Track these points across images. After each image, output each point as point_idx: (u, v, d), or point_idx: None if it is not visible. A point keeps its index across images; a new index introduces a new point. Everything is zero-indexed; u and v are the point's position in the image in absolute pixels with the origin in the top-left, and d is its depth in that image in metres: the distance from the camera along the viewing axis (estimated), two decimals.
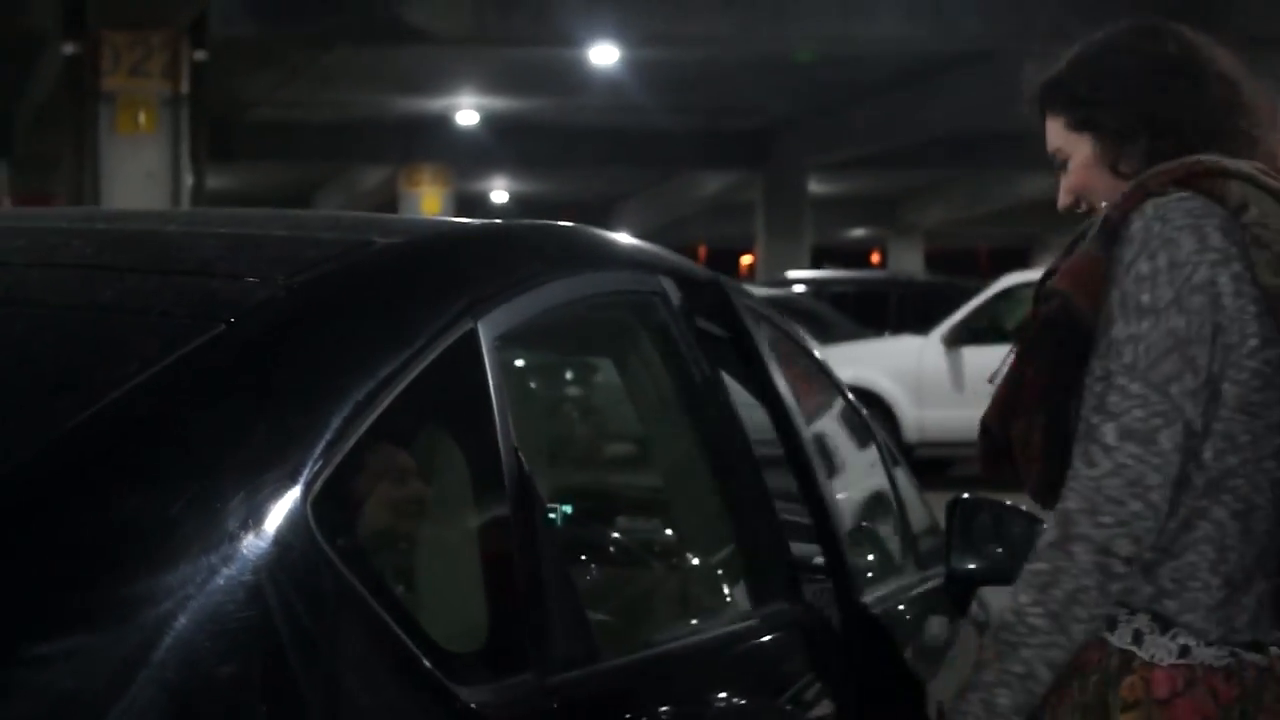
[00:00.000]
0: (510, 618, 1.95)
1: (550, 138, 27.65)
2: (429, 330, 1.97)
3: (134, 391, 1.70)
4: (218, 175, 29.34)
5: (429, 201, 28.81)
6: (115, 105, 14.10)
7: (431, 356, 1.95)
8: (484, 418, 2.02)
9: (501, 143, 27.41)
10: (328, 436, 1.75)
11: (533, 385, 2.58)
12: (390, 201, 29.86)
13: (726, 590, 2.77)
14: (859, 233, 43.08)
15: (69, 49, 14.14)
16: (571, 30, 17.36)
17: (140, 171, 14.19)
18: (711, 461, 2.69)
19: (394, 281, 2.07)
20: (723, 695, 2.37)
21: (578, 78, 21.76)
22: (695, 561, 2.83)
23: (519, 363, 2.49)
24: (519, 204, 37.04)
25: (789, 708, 2.52)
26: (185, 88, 14.16)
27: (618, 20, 17.15)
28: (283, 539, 1.65)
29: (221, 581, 1.59)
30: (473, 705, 1.78)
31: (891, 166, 29.71)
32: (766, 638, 2.54)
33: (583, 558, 2.81)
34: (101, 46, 13.92)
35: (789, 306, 15.99)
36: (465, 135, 27.39)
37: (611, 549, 2.93)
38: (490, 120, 26.65)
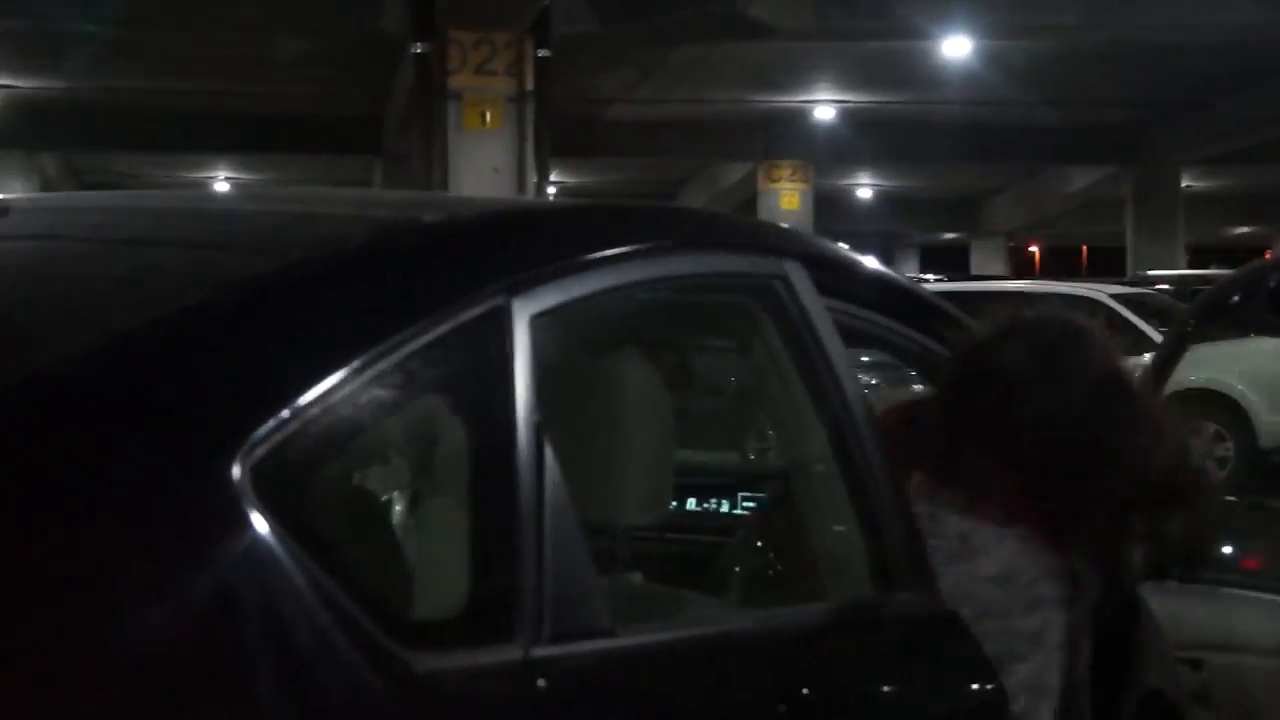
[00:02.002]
0: (497, 587, 1.96)
1: (909, 132, 27.37)
2: (441, 305, 2.01)
3: (88, 353, 1.78)
4: (579, 172, 29.98)
5: (788, 198, 28.84)
6: (462, 103, 14.54)
7: (439, 330, 1.98)
8: (500, 392, 2.04)
9: (860, 138, 27.26)
10: (283, 403, 1.79)
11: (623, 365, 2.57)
12: (751, 198, 30.03)
13: (819, 579, 2.72)
14: (1241, 230, 41.47)
15: (418, 49, 14.63)
16: (917, 23, 17.18)
17: (487, 167, 14.60)
18: (824, 447, 2.65)
19: (409, 256, 2.11)
20: (760, 686, 2.31)
21: (932, 71, 21.50)
22: (780, 547, 2.79)
23: (598, 343, 2.49)
24: (881, 199, 36.83)
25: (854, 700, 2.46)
26: (530, 85, 14.51)
27: (964, 12, 16.90)
28: (215, 501, 1.70)
29: (146, 544, 1.66)
30: (431, 673, 1.80)
31: (1272, 160, 28.43)
32: (850, 628, 2.49)
33: (664, 534, 2.80)
34: (449, 46, 14.37)
35: (1144, 305, 15.52)
36: (824, 131, 27.32)
37: (693, 528, 2.91)
38: (848, 115, 26.54)
